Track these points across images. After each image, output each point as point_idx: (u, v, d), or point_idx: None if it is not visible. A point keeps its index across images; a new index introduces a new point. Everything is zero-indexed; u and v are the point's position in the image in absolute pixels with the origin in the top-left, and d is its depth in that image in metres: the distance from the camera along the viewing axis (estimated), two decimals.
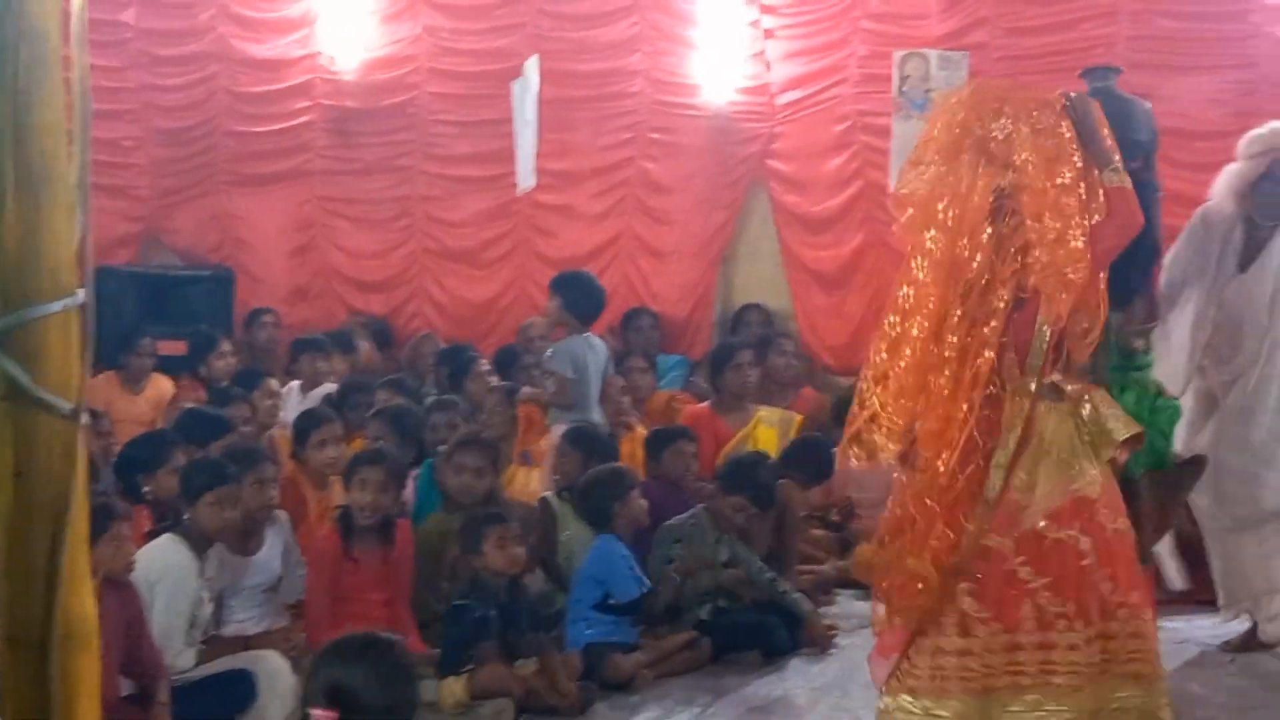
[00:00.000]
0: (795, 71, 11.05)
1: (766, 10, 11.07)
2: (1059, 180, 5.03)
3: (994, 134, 5.06)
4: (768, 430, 9.01)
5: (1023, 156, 5.03)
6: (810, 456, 8.35)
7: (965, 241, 5.02)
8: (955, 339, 5.01)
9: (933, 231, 5.11)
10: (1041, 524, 5.02)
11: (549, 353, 8.80)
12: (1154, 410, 6.07)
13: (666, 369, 10.85)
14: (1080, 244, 5.00)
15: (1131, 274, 5.89)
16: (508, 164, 10.59)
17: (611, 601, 6.76)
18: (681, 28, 11.30)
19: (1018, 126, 5.06)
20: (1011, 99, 5.14)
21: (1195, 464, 6.55)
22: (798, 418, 9.40)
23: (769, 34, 11.06)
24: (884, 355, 5.21)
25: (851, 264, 10.90)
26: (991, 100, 5.15)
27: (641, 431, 9.00)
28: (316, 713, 3.54)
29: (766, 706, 6.33)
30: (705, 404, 9.56)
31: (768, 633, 6.95)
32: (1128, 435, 5.15)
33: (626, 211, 11.48)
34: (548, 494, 7.63)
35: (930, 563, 5.06)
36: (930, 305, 5.07)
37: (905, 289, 5.21)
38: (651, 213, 11.42)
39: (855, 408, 5.34)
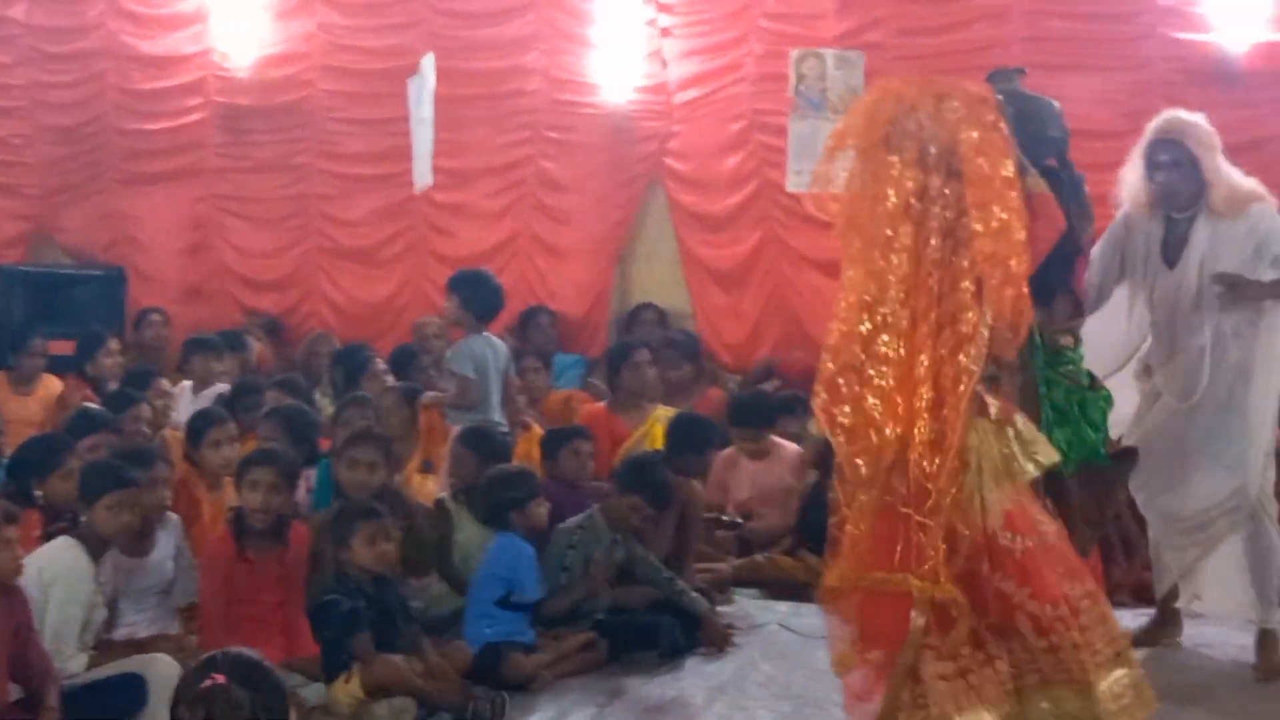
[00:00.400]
0: (692, 70, 11.06)
1: (663, 9, 11.08)
2: (1004, 173, 5.03)
3: (926, 125, 5.01)
4: (664, 430, 8.98)
5: (971, 145, 5.01)
6: (689, 436, 8.30)
7: (883, 243, 4.98)
8: (930, 344, 4.95)
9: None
10: (1001, 531, 5.02)
11: (449, 353, 8.74)
12: (1084, 404, 6.07)
13: (564, 368, 10.82)
14: (1022, 237, 5.01)
15: (1050, 273, 5.89)
16: (404, 162, 10.55)
17: (514, 599, 6.72)
18: (579, 26, 11.28)
19: (963, 116, 5.03)
20: (952, 91, 5.10)
21: (1127, 456, 6.53)
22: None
23: (666, 32, 11.07)
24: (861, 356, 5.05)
25: (749, 262, 10.92)
26: (926, 93, 5.09)
27: (538, 431, 8.96)
28: None
29: (663, 706, 6.31)
30: (602, 403, 9.54)
31: (665, 633, 6.93)
32: (1049, 462, 5.17)
33: (523, 210, 11.44)
34: (443, 495, 7.57)
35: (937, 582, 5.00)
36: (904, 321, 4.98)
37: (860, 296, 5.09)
38: (549, 211, 11.39)
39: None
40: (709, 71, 11.03)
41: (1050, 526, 5.11)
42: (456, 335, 9.00)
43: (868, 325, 4.98)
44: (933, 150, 4.98)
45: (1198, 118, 6.81)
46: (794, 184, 10.57)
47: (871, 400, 4.97)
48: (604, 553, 7.16)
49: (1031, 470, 5.12)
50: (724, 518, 8.81)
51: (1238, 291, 6.55)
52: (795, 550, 8.32)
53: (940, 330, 4.91)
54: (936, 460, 4.92)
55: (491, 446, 7.63)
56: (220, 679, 3.94)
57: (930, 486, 4.91)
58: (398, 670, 6.01)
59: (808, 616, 7.51)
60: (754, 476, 9.02)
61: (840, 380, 5.03)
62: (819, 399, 5.09)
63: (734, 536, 8.76)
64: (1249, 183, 6.69)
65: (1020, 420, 5.15)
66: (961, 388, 4.89)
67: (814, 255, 10.47)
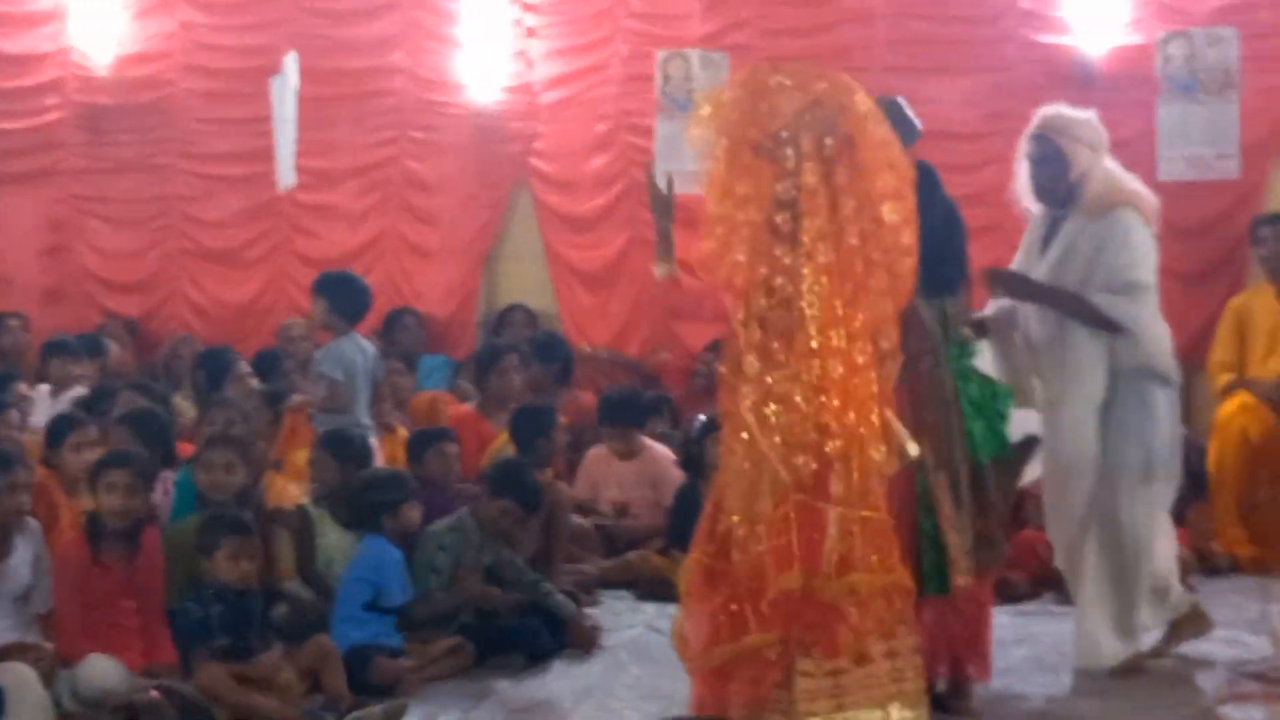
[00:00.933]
0: (558, 70, 11.06)
1: (529, 9, 11.07)
2: (901, 160, 5.08)
3: (820, 116, 5.01)
4: None
5: (867, 139, 5.01)
6: (530, 425, 8.32)
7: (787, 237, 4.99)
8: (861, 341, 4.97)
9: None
10: None
11: (318, 355, 8.66)
12: (994, 396, 6.09)
13: (430, 370, 10.76)
14: (910, 239, 5.05)
15: (951, 264, 5.94)
16: (267, 162, 10.46)
17: (381, 603, 6.67)
18: (444, 26, 11.24)
19: (849, 107, 5.04)
20: (831, 79, 5.11)
21: (1026, 445, 6.54)
22: (562, 420, 9.38)
23: (531, 32, 11.06)
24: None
25: (616, 264, 10.93)
26: (809, 85, 5.08)
27: (403, 433, 8.91)
28: None
29: (530, 709, 6.29)
30: (470, 405, 9.51)
31: (532, 635, 6.90)
32: (914, 455, 5.21)
33: (389, 211, 11.37)
34: (305, 501, 7.47)
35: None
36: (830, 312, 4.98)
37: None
38: (414, 212, 11.33)
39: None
40: (575, 72, 11.04)
41: None
42: (324, 338, 8.92)
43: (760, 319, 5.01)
44: (829, 142, 4.99)
45: (1081, 114, 6.84)
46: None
47: (799, 398, 4.97)
48: (474, 555, 7.13)
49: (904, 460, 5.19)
50: (602, 508, 8.82)
51: (1005, 287, 6.63)
52: (667, 551, 8.32)
53: (854, 320, 4.94)
54: (883, 449, 4.98)
55: (351, 451, 7.55)
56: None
57: (875, 480, 4.98)
58: (223, 681, 5.93)
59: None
60: (624, 476, 9.03)
61: (769, 379, 5.02)
62: (745, 401, 5.07)
63: (602, 538, 8.76)
64: (1127, 186, 6.70)
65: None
66: (882, 375, 4.94)
67: (681, 255, 10.44)
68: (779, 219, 4.99)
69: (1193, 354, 9.68)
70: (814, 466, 4.96)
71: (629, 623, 7.53)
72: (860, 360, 4.96)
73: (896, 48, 10.23)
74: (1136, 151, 9.81)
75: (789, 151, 4.98)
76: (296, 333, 10.46)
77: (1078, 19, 10.07)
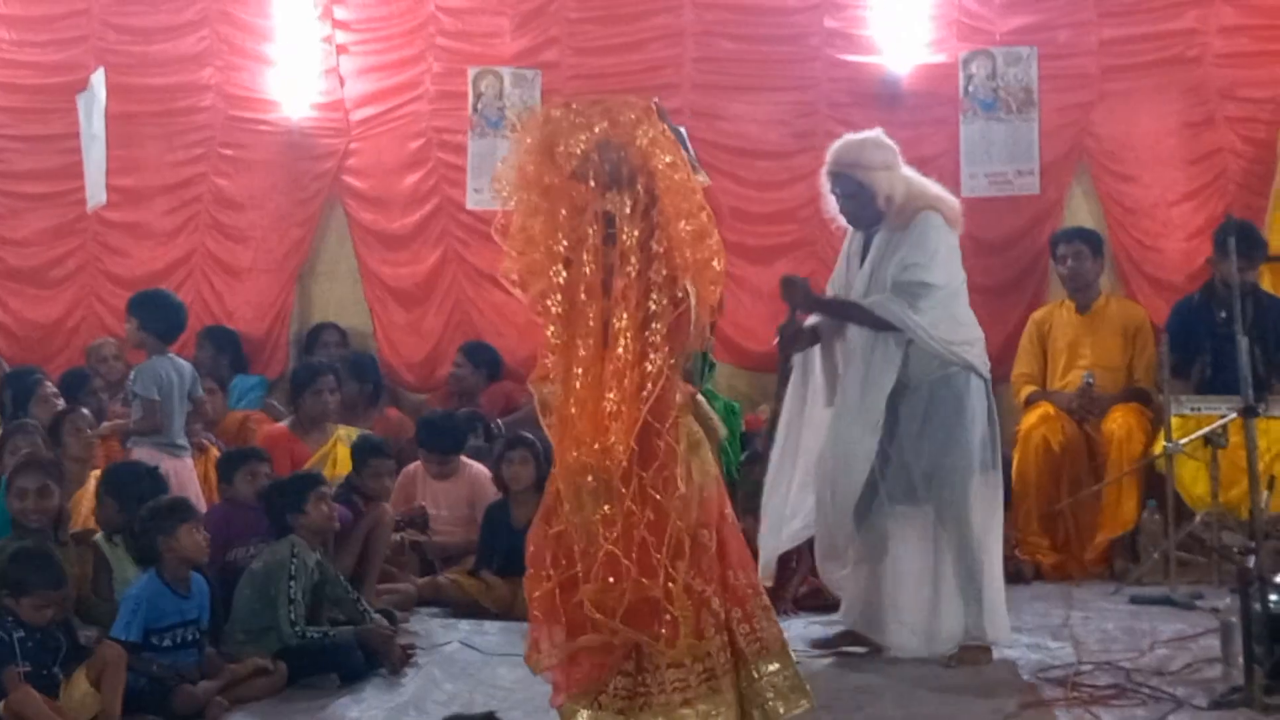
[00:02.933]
0: (370, 88, 11.01)
1: (340, 26, 11.00)
2: (690, 179, 5.13)
3: (614, 145, 5.05)
4: (347, 450, 8.93)
5: (662, 160, 5.07)
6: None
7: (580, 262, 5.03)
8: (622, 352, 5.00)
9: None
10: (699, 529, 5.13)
11: (133, 375, 8.56)
12: (731, 413, 6.19)
13: (244, 389, 10.66)
14: (717, 241, 5.13)
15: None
16: (74, 180, 10.32)
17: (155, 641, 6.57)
18: (254, 42, 11.13)
19: (648, 133, 5.09)
20: (626, 108, 5.15)
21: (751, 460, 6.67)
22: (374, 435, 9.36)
23: (342, 49, 10.99)
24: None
25: (429, 281, 10.89)
26: (602, 114, 5.13)
27: (215, 452, 8.83)
28: None
29: None
30: (283, 424, 9.44)
31: (345, 655, 6.86)
32: (724, 436, 5.31)
33: (199, 228, 11.21)
34: (99, 537, 7.32)
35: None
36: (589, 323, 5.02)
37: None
38: (225, 230, 11.18)
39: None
40: (387, 89, 10.99)
41: (728, 510, 5.27)
42: (137, 357, 8.81)
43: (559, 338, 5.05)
44: (624, 171, 5.04)
45: (865, 138, 7.01)
46: (474, 201, 10.64)
47: (573, 409, 5.03)
48: (309, 576, 7.08)
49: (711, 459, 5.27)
50: (415, 518, 8.80)
51: (791, 297, 6.78)
52: (478, 570, 8.33)
53: (631, 337, 4.99)
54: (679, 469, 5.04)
55: (130, 489, 7.37)
56: None
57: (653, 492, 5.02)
58: (33, 705, 5.84)
59: (490, 635, 7.58)
60: (439, 495, 9.02)
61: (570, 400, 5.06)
62: (546, 419, 5.12)
63: (418, 555, 8.75)
64: (929, 192, 6.90)
65: (699, 401, 5.28)
66: (645, 392, 4.98)
67: (495, 272, 10.47)
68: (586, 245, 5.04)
69: (996, 366, 9.87)
70: (622, 473, 5.03)
71: (443, 639, 7.52)
72: (659, 375, 5.03)
73: (704, 66, 10.34)
74: (940, 168, 10.05)
75: (590, 184, 5.04)
76: (108, 353, 10.30)
77: (882, 38, 10.24)
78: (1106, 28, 10.00)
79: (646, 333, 5.00)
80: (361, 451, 8.39)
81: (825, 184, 7.10)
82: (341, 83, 11.00)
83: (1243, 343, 6.62)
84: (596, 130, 5.07)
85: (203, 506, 7.79)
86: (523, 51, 10.69)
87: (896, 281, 6.69)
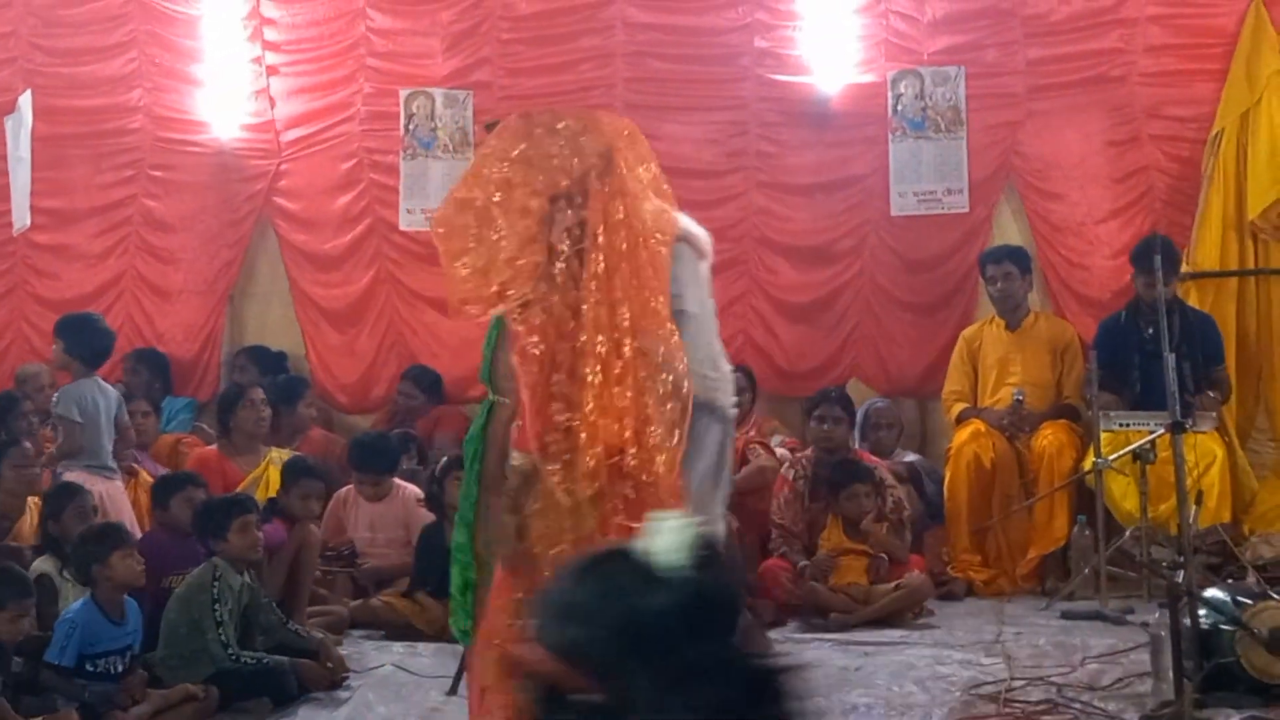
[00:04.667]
0: (301, 109, 10.98)
1: (270, 47, 10.97)
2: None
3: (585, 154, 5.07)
4: (277, 471, 8.89)
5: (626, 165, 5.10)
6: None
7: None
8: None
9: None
10: None
11: (55, 398, 8.50)
12: None
13: (174, 411, 10.60)
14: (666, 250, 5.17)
15: None
16: (1, 203, 10.20)
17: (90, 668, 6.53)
18: (183, 64, 11.09)
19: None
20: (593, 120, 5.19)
21: None
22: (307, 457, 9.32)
23: (273, 71, 10.96)
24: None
25: (362, 302, 10.87)
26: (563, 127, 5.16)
27: (147, 477, 8.77)
28: None
29: None
30: (214, 446, 9.39)
31: (278, 678, 6.84)
32: None
33: (129, 251, 11.16)
34: (48, 567, 7.25)
35: None
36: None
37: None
38: (155, 251, 11.13)
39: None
40: (318, 110, 10.97)
41: None
42: (66, 379, 8.75)
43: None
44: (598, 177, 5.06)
45: None
46: (407, 222, 10.63)
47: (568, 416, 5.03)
48: (235, 599, 7.04)
49: None
50: (343, 551, 8.76)
51: None
52: (411, 592, 8.30)
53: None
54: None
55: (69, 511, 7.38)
56: None
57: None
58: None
59: (423, 657, 7.55)
60: (372, 517, 8.98)
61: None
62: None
63: (350, 578, 8.72)
64: (679, 226, 6.96)
65: None
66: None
67: (428, 293, 10.50)
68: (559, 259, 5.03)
69: (927, 384, 10.03)
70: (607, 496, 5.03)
71: (376, 661, 7.50)
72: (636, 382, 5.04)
73: (636, 86, 10.37)
74: (870, 187, 10.17)
75: (570, 197, 5.03)
76: (44, 381, 10.19)
77: (812, 58, 10.29)
78: (1033, 47, 10.09)
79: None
80: (291, 472, 8.36)
81: None
82: (272, 104, 10.98)
83: (1170, 359, 6.68)
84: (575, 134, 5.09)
85: (135, 530, 7.73)
86: (454, 72, 10.70)
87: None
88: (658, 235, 5.13)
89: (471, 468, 5.24)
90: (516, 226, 5.03)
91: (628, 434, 4.94)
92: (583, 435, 4.91)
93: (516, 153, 5.08)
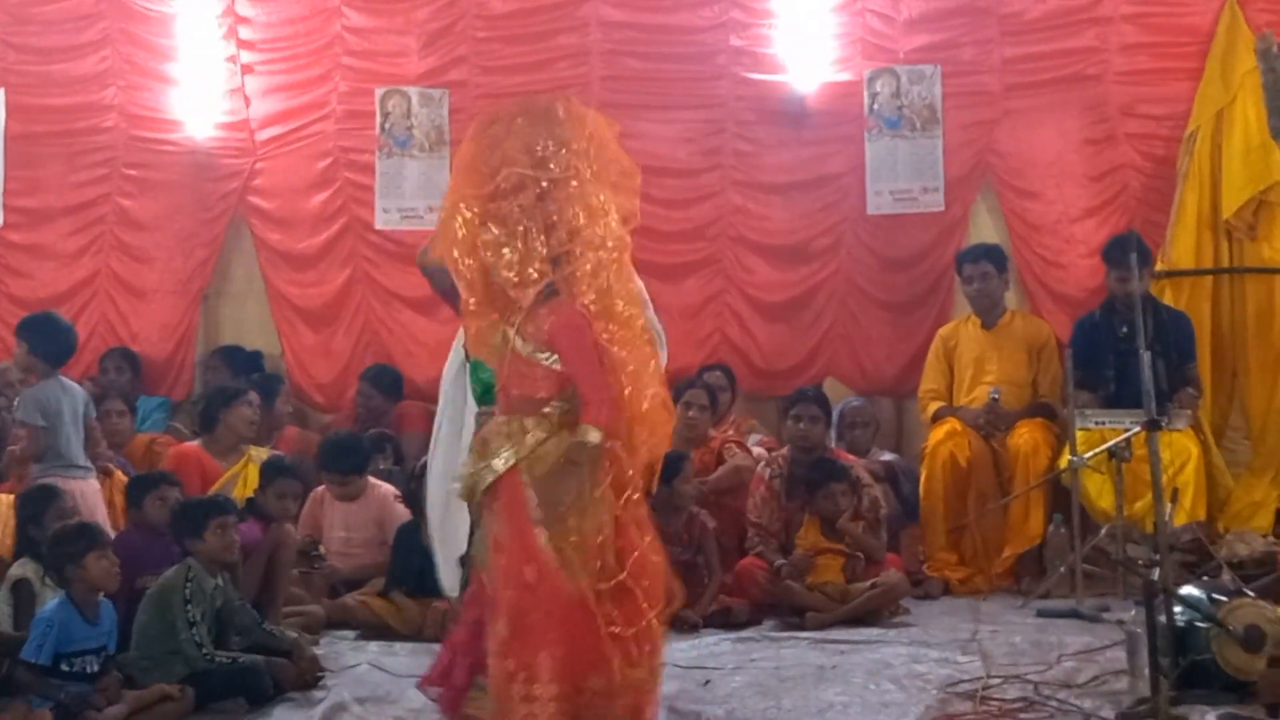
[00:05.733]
0: (276, 107, 10.95)
1: (245, 45, 10.94)
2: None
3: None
4: (256, 470, 8.88)
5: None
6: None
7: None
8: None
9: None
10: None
11: (17, 401, 8.45)
12: None
13: (148, 411, 10.56)
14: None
15: None
16: None
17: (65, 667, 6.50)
18: (157, 62, 11.05)
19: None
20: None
21: None
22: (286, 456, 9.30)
23: (248, 69, 10.93)
24: None
25: (338, 301, 10.84)
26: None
27: (121, 477, 8.73)
28: None
29: None
30: (195, 443, 9.36)
31: (253, 678, 6.81)
32: None
33: (103, 249, 11.10)
34: (29, 572, 7.21)
35: None
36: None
37: None
38: (129, 250, 11.08)
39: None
40: (293, 109, 10.93)
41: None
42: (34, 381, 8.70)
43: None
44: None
45: None
46: (383, 221, 10.60)
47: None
48: (207, 601, 7.01)
49: None
50: (313, 552, 8.72)
51: None
52: (387, 591, 8.28)
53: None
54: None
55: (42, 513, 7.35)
56: None
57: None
58: None
59: (399, 656, 7.54)
60: (346, 516, 8.96)
61: None
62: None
63: (324, 578, 8.69)
64: None
65: None
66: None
67: (404, 292, 10.49)
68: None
69: (903, 382, 10.04)
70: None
71: (352, 661, 7.47)
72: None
73: (612, 84, 10.36)
74: (846, 186, 10.19)
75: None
76: (14, 376, 10.15)
77: (788, 57, 10.30)
78: (1009, 46, 10.10)
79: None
80: (269, 472, 8.34)
81: None
82: (247, 102, 10.94)
83: (1145, 357, 6.68)
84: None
85: (109, 529, 7.70)
86: (429, 71, 10.68)
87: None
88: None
89: None
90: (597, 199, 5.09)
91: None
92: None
93: (577, 145, 5.13)
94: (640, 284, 5.70)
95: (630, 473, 5.17)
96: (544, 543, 5.09)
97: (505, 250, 5.10)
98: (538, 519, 5.10)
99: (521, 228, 5.10)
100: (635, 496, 5.18)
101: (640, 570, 5.13)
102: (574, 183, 5.11)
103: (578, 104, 5.37)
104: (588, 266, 5.10)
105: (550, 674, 5.07)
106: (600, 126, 5.31)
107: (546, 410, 5.17)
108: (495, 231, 5.13)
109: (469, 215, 5.16)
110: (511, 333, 5.20)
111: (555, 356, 5.14)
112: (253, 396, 9.44)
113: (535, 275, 5.09)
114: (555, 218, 5.11)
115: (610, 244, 5.13)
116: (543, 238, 5.10)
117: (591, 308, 5.10)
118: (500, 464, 5.19)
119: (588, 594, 5.07)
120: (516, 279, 5.11)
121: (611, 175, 5.25)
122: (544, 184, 5.11)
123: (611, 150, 5.29)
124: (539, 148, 5.15)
